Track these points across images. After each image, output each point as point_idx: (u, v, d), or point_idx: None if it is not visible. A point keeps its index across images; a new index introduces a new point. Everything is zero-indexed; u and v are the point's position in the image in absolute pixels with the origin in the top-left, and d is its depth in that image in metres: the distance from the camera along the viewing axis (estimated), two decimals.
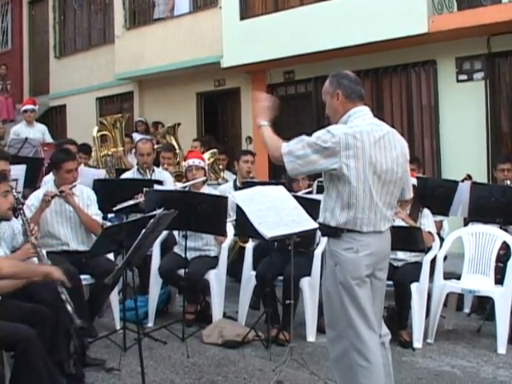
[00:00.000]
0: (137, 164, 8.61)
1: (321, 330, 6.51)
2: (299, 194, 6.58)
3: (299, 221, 5.34)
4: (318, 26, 12.10)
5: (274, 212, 5.29)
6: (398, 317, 6.58)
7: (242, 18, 13.61)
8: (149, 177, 8.32)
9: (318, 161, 4.11)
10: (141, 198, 7.14)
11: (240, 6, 13.64)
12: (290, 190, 6.17)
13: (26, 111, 11.78)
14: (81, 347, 5.62)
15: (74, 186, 6.63)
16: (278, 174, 12.80)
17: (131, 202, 7.20)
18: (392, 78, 12.54)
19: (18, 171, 7.07)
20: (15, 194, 5.55)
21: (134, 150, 11.24)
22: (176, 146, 11.31)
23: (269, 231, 5.07)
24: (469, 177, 8.63)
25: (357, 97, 4.33)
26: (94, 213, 6.78)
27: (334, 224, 4.21)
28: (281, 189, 5.69)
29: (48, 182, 7.05)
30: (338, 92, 4.32)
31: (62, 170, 6.60)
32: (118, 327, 6.67)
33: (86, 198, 6.80)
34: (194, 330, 6.79)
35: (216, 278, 6.96)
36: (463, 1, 11.21)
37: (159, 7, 16.06)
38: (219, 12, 14.06)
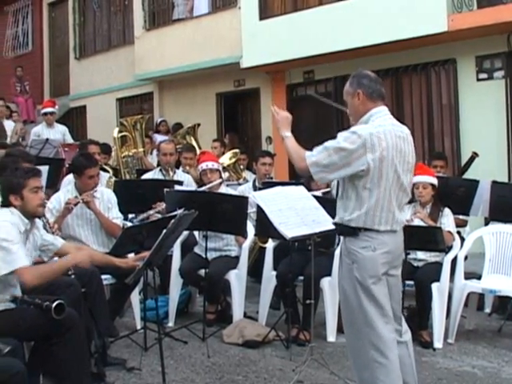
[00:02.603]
0: (158, 165, 8.65)
1: (341, 330, 6.51)
2: (316, 193, 6.57)
3: (320, 221, 5.36)
4: (337, 25, 12.09)
5: (295, 212, 5.31)
6: (418, 317, 6.58)
7: (261, 18, 13.59)
8: (171, 177, 8.35)
9: (346, 165, 4.14)
10: (160, 207, 7.16)
11: (259, 6, 13.62)
12: (309, 189, 6.19)
13: (45, 114, 11.84)
14: (102, 346, 5.67)
15: (95, 191, 6.67)
16: (297, 173, 12.80)
17: (151, 212, 7.23)
18: (412, 77, 12.50)
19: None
20: None
21: (155, 151, 11.32)
22: (196, 147, 11.30)
23: (289, 231, 5.09)
24: (475, 154, 8.68)
25: (378, 96, 4.36)
26: (115, 216, 6.82)
27: (352, 224, 4.23)
28: (301, 189, 5.71)
29: (69, 184, 7.07)
30: (358, 92, 4.34)
31: (84, 176, 6.65)
32: (139, 327, 6.70)
33: (106, 200, 6.83)
34: (215, 330, 6.81)
35: (237, 278, 6.98)
36: None
37: (178, 8, 16.08)
38: (238, 12, 14.06)
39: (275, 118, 4.70)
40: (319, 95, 13.53)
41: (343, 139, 4.15)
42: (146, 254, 5.13)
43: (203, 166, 7.55)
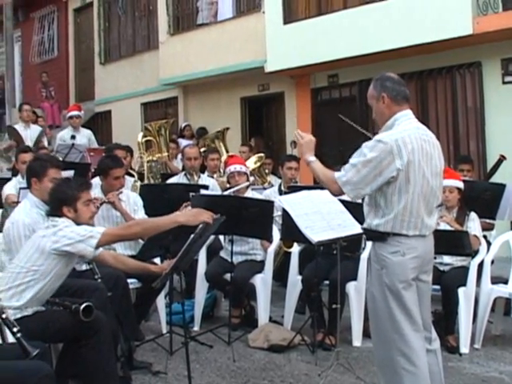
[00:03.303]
0: (183, 169, 8.67)
1: (366, 334, 6.50)
2: (343, 197, 6.55)
3: (346, 225, 5.35)
4: (361, 28, 12.06)
5: (321, 216, 5.30)
6: (444, 322, 6.54)
7: (285, 23, 13.60)
8: (196, 182, 8.37)
9: (377, 176, 4.14)
10: (186, 209, 7.17)
11: (283, 10, 13.63)
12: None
13: (71, 117, 11.87)
14: (128, 350, 5.69)
15: (121, 192, 6.70)
16: None
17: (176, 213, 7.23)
18: (437, 81, 12.45)
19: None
20: None
21: (179, 155, 11.34)
22: (224, 151, 11.31)
23: (316, 236, 5.08)
24: (503, 157, 8.59)
25: (402, 98, 4.34)
26: (141, 218, 6.80)
27: (381, 229, 4.22)
28: (327, 193, 5.67)
29: (95, 187, 7.10)
30: (383, 95, 4.32)
31: (110, 177, 6.70)
32: (165, 331, 6.73)
33: (132, 203, 6.86)
34: (240, 334, 6.81)
35: (262, 283, 6.98)
36: (508, 1, 11.06)
37: (203, 12, 16.11)
38: (262, 16, 14.07)
39: (299, 142, 4.65)
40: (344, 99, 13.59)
41: (369, 150, 4.15)
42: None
43: (231, 168, 7.54)
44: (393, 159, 4.09)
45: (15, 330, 4.00)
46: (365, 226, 4.39)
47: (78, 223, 4.81)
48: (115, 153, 8.67)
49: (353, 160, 4.22)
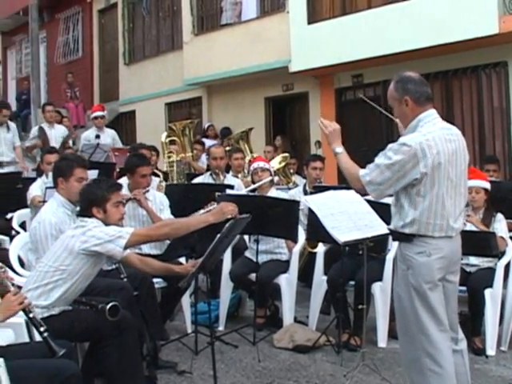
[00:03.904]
0: (207, 169, 8.68)
1: (392, 335, 6.47)
2: (369, 197, 6.52)
3: (372, 225, 5.33)
4: (386, 28, 12.00)
5: (347, 216, 5.29)
6: (470, 323, 6.48)
7: (309, 22, 13.56)
8: (221, 181, 8.38)
9: (400, 178, 4.13)
10: (212, 207, 7.17)
11: (307, 10, 13.60)
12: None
13: (96, 117, 11.91)
14: (153, 350, 5.70)
15: (148, 190, 6.72)
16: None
17: (201, 212, 7.22)
18: (462, 81, 12.36)
19: (90, 176, 7.17)
20: None
21: (204, 155, 11.36)
22: (248, 151, 11.31)
23: (342, 236, 5.07)
24: None
25: (425, 99, 4.30)
26: (167, 217, 6.80)
27: (406, 231, 4.19)
28: (353, 193, 5.67)
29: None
30: (406, 98, 4.28)
31: (137, 175, 6.73)
32: (190, 330, 6.75)
33: (158, 203, 6.87)
34: (265, 335, 6.81)
35: (287, 283, 6.96)
36: None
37: (227, 12, 16.12)
38: (287, 16, 14.04)
39: (324, 132, 4.63)
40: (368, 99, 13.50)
41: (393, 153, 4.13)
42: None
43: (254, 165, 7.60)
44: (417, 162, 4.07)
45: (42, 329, 4.02)
46: (391, 226, 4.37)
47: (107, 224, 4.83)
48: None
49: (378, 160, 4.20)
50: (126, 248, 4.68)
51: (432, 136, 4.12)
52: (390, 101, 4.43)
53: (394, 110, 4.44)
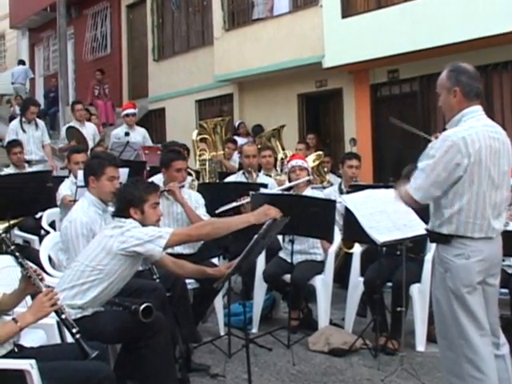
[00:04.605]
0: (239, 168, 8.68)
1: (430, 339, 6.43)
2: None
3: (411, 225, 5.30)
4: (423, 22, 11.90)
5: (386, 216, 5.27)
6: None
7: (343, 17, 13.51)
8: (254, 180, 8.38)
9: (448, 176, 4.09)
10: (244, 200, 7.17)
11: (341, 3, 13.53)
12: None
13: (127, 115, 11.93)
14: (186, 352, 5.72)
15: (183, 186, 6.72)
16: (383, 176, 12.68)
17: (234, 204, 7.25)
18: (502, 75, 12.23)
19: (121, 175, 7.22)
20: None
21: (236, 154, 11.37)
22: (280, 149, 11.30)
23: (381, 236, 5.05)
24: None
25: (474, 95, 4.28)
26: (202, 214, 6.80)
27: (445, 231, 4.16)
28: (392, 192, 5.64)
29: None
30: (455, 89, 4.25)
31: (172, 169, 6.72)
32: (222, 333, 6.74)
33: (193, 201, 6.85)
34: (300, 337, 6.78)
35: (323, 284, 6.95)
36: None
37: (258, 7, 16.14)
38: (320, 11, 14.00)
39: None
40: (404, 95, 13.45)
41: (435, 151, 4.10)
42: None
43: (293, 163, 7.58)
44: (461, 158, 4.05)
45: (74, 330, 4.04)
46: (428, 227, 4.33)
47: (144, 226, 4.87)
48: None
49: (421, 164, 4.18)
50: (165, 248, 4.71)
51: (475, 131, 4.10)
52: (438, 88, 4.40)
53: (439, 98, 4.41)
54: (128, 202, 4.91)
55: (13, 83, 23.36)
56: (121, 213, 4.92)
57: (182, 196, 6.70)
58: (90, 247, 4.82)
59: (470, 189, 4.08)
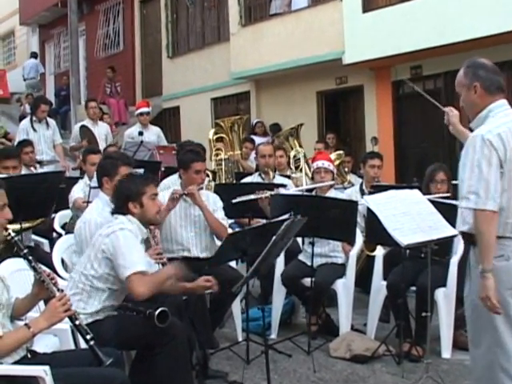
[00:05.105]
0: (256, 169, 8.66)
1: (456, 345, 6.40)
2: (431, 197, 6.45)
3: (437, 227, 5.28)
4: (447, 15, 11.83)
5: (410, 217, 5.25)
6: None
7: (364, 11, 13.47)
8: (270, 181, 8.37)
9: (494, 175, 3.96)
10: (264, 194, 7.15)
11: None
12: (426, 193, 6.10)
13: (141, 114, 11.98)
14: (203, 358, 5.72)
15: (202, 188, 6.70)
16: (406, 176, 12.65)
17: (253, 197, 7.22)
18: None
19: None
20: None
21: (252, 154, 11.36)
22: (298, 149, 11.29)
23: (405, 238, 5.04)
24: None
25: (496, 89, 4.23)
26: (221, 217, 6.79)
27: None
28: (416, 193, 5.64)
29: (168, 187, 7.13)
30: (475, 85, 4.21)
31: (191, 170, 6.65)
32: (240, 338, 6.76)
33: (212, 203, 6.83)
34: (320, 343, 6.77)
35: (344, 288, 6.94)
36: None
37: (276, 2, 16.10)
38: (340, 5, 13.97)
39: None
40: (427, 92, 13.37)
41: (472, 151, 4.01)
42: (211, 280, 5.20)
43: (318, 163, 7.50)
44: (497, 155, 3.96)
45: (88, 337, 4.05)
46: (464, 229, 4.24)
47: (144, 219, 4.92)
48: None
49: (464, 173, 4.06)
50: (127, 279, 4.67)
51: (507, 127, 4.05)
52: (457, 88, 4.36)
53: (460, 98, 4.37)
54: (126, 197, 4.93)
55: (25, 79, 23.45)
56: (120, 209, 4.96)
57: (202, 199, 6.69)
58: (86, 253, 4.87)
59: (509, 189, 4.02)
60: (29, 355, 4.00)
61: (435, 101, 5.34)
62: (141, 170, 7.25)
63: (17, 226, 6.47)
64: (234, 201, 7.25)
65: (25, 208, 6.17)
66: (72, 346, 4.54)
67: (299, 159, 10.89)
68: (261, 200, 7.27)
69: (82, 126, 11.92)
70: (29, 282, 4.60)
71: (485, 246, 3.98)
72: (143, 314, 4.70)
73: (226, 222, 6.92)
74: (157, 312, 4.58)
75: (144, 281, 4.66)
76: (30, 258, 4.05)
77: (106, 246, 4.74)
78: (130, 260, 4.66)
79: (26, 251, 4.06)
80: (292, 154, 10.93)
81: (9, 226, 4.08)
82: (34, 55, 24.54)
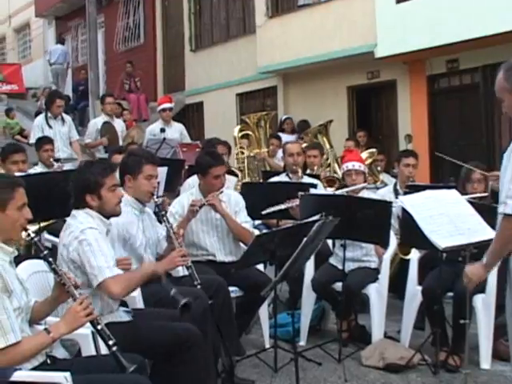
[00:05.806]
0: (284, 168, 8.64)
1: (496, 355, 6.35)
2: (468, 197, 6.41)
3: (476, 229, 5.24)
4: (486, 6, 11.76)
5: (448, 219, 5.23)
6: None
7: (398, 2, 13.43)
8: (299, 180, 8.35)
9: None
10: (294, 203, 7.14)
11: None
12: (462, 193, 6.07)
13: (163, 110, 11.98)
14: (229, 366, 5.73)
15: (221, 192, 6.67)
16: (441, 175, 12.60)
17: (283, 207, 7.22)
18: None
19: (159, 174, 7.23)
20: (156, 199, 5.74)
21: (279, 152, 11.35)
22: (328, 146, 11.27)
23: (442, 241, 5.01)
24: None
25: None
26: (243, 220, 6.78)
27: None
28: (454, 193, 5.61)
29: (192, 187, 7.15)
30: None
31: (210, 176, 6.59)
32: (268, 345, 6.74)
33: (233, 204, 6.84)
34: (352, 351, 6.75)
35: (377, 293, 6.91)
36: None
37: None
38: None
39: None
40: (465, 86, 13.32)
41: None
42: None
43: (348, 165, 7.41)
44: None
45: (111, 342, 4.03)
46: None
47: (103, 211, 4.86)
48: (216, 149, 8.63)
49: (505, 178, 4.07)
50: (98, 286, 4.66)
51: None
52: (498, 93, 4.32)
53: (502, 103, 4.34)
54: (83, 189, 4.83)
55: (51, 64, 23.36)
56: (77, 203, 4.87)
57: (223, 207, 6.67)
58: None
59: None
60: (48, 361, 4.02)
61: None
62: (164, 169, 7.31)
63: (35, 227, 6.51)
64: (263, 212, 7.28)
65: (44, 208, 6.19)
66: (93, 352, 4.55)
67: (327, 159, 10.88)
68: (292, 209, 7.24)
69: (105, 123, 11.97)
70: (47, 284, 4.65)
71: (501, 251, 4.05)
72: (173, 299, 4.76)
73: (250, 224, 6.94)
74: (183, 301, 4.61)
75: (118, 280, 4.65)
76: (51, 259, 4.05)
77: (72, 256, 4.69)
78: (97, 267, 4.61)
79: (46, 252, 4.05)
80: (325, 156, 10.91)
81: (28, 227, 4.09)
82: (61, 41, 24.57)
